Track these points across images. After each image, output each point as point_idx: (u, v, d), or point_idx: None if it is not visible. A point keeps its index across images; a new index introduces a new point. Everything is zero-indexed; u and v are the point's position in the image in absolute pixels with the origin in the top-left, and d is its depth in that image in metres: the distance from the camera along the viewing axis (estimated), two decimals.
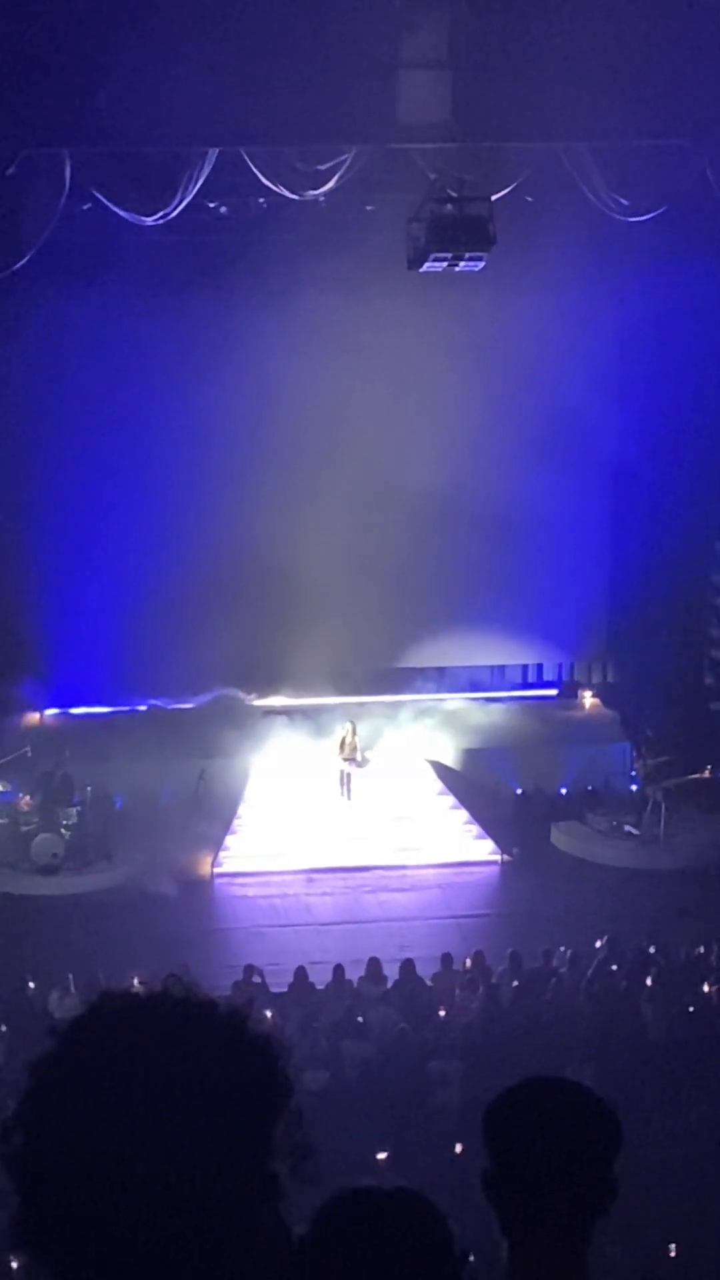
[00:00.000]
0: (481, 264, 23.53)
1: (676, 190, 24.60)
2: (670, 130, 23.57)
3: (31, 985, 20.58)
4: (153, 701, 29.90)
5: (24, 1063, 2.52)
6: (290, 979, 20.98)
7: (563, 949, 21.69)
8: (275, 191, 24.23)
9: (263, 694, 30.20)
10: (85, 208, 24.27)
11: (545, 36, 21.39)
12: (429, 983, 20.97)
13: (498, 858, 27.64)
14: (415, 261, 23.97)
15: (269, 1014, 19.71)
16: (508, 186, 24.15)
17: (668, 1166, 15.26)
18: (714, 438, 28.78)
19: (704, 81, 22.40)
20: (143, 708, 30.02)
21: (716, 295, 26.87)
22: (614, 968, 21.04)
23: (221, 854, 27.18)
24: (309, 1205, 2.86)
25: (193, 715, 29.51)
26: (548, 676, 32.50)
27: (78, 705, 30.28)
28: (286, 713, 29.82)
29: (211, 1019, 2.51)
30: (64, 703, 30.31)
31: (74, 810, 27.33)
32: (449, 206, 23.21)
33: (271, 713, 29.82)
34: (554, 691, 32.40)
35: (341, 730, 28.85)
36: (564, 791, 29.31)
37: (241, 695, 30.01)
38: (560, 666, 32.54)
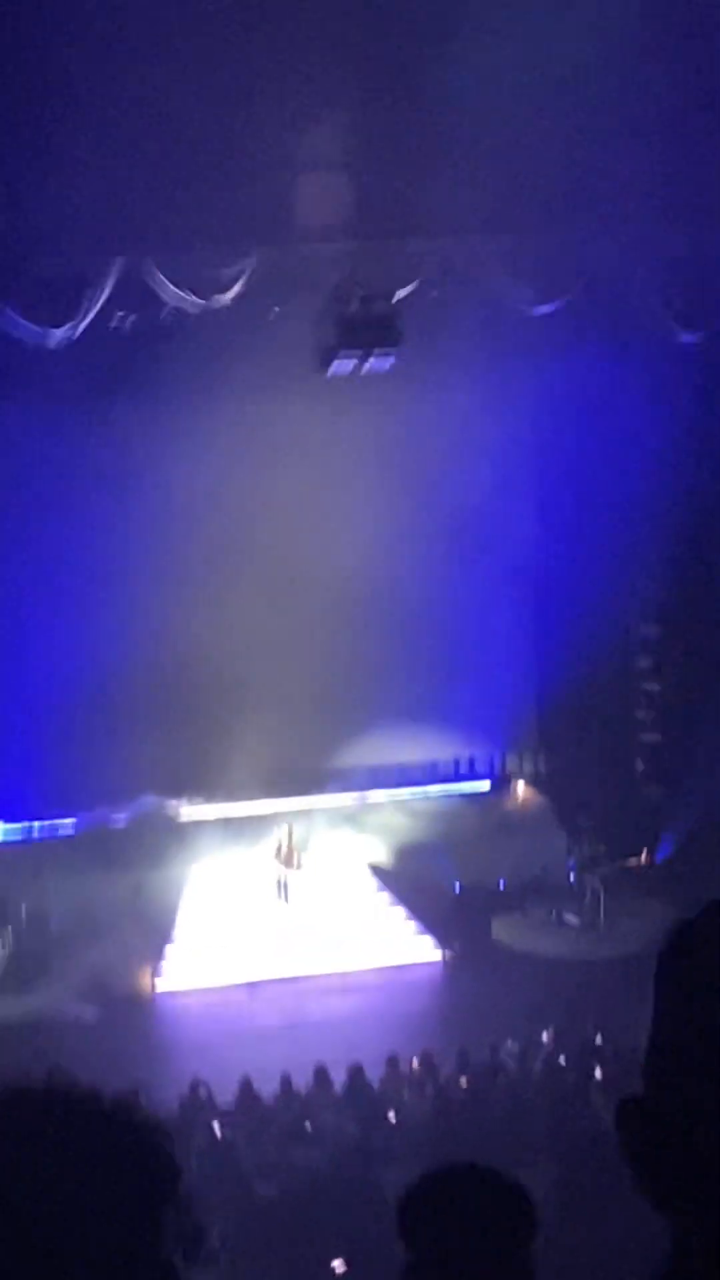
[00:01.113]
0: (390, 361, 23.62)
1: (580, 279, 24.78)
2: (571, 219, 23.74)
3: None
4: (83, 815, 29.65)
5: None
6: (235, 1090, 20.76)
7: (510, 1043, 21.55)
8: (181, 299, 24.25)
9: (194, 800, 29.98)
10: None
11: (443, 132, 21.53)
12: (377, 1086, 20.77)
13: (439, 955, 27.51)
14: (324, 362, 24.04)
15: (217, 1127, 19.51)
16: (412, 283, 24.26)
17: (629, 1255, 15.06)
18: (631, 523, 28.88)
19: (604, 169, 22.61)
20: (71, 820, 29.75)
21: (623, 382, 27.04)
22: (562, 1060, 20.90)
23: (162, 967, 26.95)
24: None
25: (124, 828, 29.27)
26: (480, 769, 32.42)
27: (9, 821, 29.99)
28: (219, 821, 29.64)
29: (96, 1108, 2.45)
30: None
31: (8, 931, 27.06)
32: (355, 306, 23.31)
33: (204, 822, 29.62)
34: (487, 783, 32.32)
35: (278, 835, 28.72)
36: (502, 884, 29.19)
37: (172, 806, 29.78)
38: (492, 758, 32.47)
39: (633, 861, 28.35)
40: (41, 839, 29.70)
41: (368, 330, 23.21)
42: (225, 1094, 20.72)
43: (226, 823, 29.57)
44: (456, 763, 32.25)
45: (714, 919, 1.79)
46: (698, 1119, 1.69)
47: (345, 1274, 15.36)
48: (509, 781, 32.39)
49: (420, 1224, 3.34)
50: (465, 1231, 3.29)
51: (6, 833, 30.00)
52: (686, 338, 25.80)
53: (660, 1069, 1.82)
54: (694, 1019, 1.75)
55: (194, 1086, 20.72)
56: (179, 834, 29.10)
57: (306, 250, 23.94)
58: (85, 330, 24.07)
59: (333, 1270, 15.42)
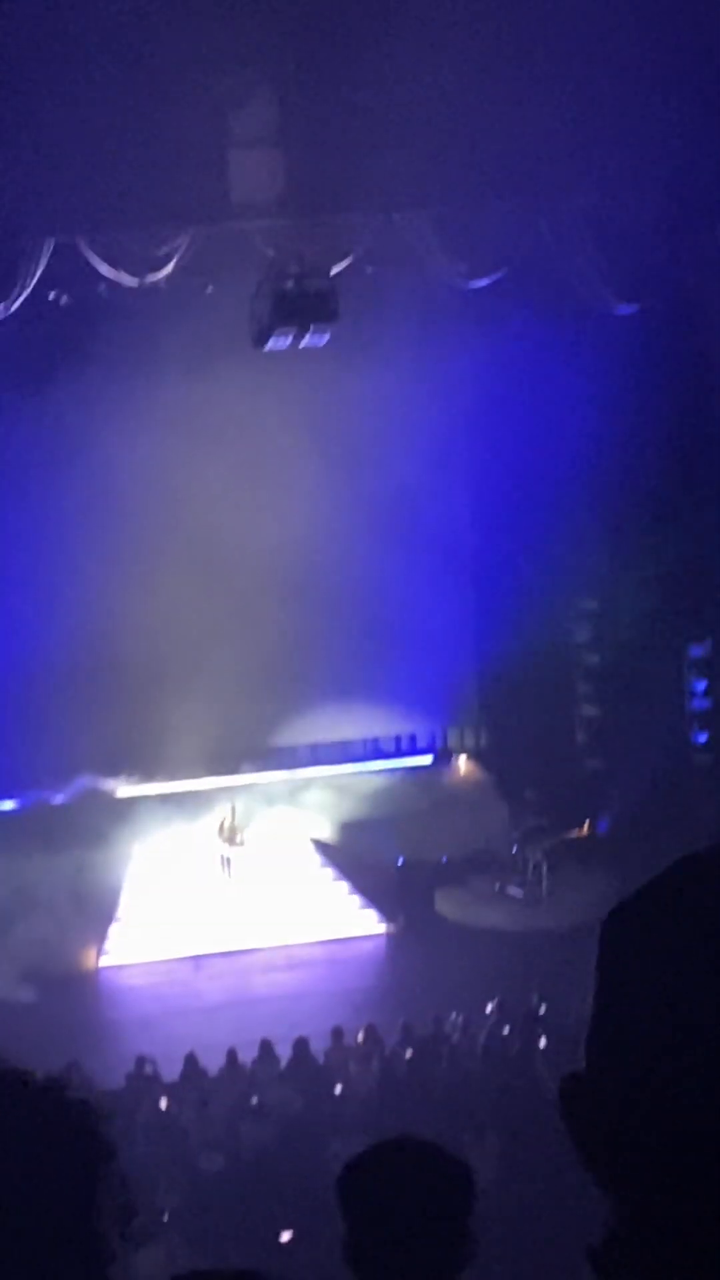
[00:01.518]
0: (326, 338, 23.63)
1: (514, 253, 24.81)
2: (504, 193, 23.78)
3: None
4: (25, 795, 29.56)
5: None
6: (181, 1066, 20.78)
7: (454, 1015, 21.61)
8: (115, 278, 24.19)
9: (135, 778, 29.92)
10: None
11: (374, 106, 21.56)
12: (322, 1060, 20.83)
13: (382, 928, 27.58)
14: (260, 339, 24.04)
15: (164, 1103, 19.53)
16: (346, 259, 24.26)
17: (575, 1224, 15.17)
18: (568, 497, 28.92)
19: (536, 142, 22.65)
20: (11, 803, 29.65)
21: (558, 355, 27.08)
22: (506, 1031, 20.99)
23: (106, 944, 26.95)
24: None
25: (66, 807, 29.20)
26: (421, 744, 32.45)
27: None
28: (161, 798, 29.60)
29: (26, 1088, 2.47)
30: None
31: None
32: (290, 283, 23.30)
33: (146, 800, 29.57)
34: (428, 758, 32.36)
35: (221, 813, 28.74)
36: (445, 858, 29.24)
37: (114, 784, 29.72)
38: (433, 733, 32.51)
39: (574, 834, 28.46)
40: None
41: (303, 306, 23.22)
42: (171, 1070, 20.73)
43: (169, 800, 29.52)
44: (398, 738, 32.28)
45: (658, 892, 1.83)
46: (641, 1095, 1.73)
47: (292, 1245, 15.43)
48: (450, 756, 32.43)
49: (358, 1197, 3.37)
50: (403, 1204, 3.32)
51: None
52: (622, 310, 25.86)
53: (603, 1043, 1.86)
54: (638, 993, 1.79)
55: (140, 1062, 20.72)
56: (121, 812, 29.04)
57: (240, 227, 23.92)
58: (19, 309, 23.97)
59: (280, 1242, 15.50)
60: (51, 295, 25.15)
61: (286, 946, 26.95)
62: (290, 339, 23.68)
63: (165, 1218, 16.08)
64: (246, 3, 21.59)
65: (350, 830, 29.75)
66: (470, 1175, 3.39)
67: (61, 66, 20.97)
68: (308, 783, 30.65)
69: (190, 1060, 20.74)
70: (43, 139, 21.43)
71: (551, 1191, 15.20)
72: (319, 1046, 21.05)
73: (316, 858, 29.23)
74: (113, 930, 27.32)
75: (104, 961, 26.79)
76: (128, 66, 21.34)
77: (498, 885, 28.29)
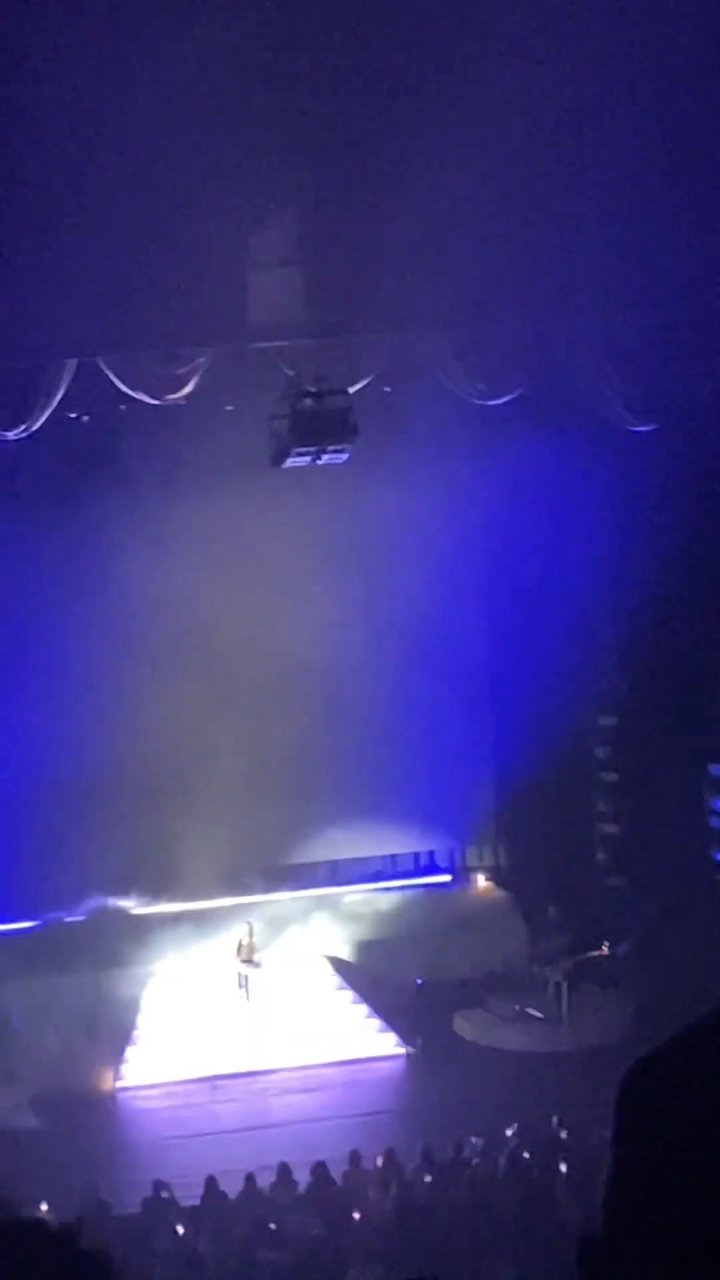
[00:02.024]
0: (345, 456, 23.74)
1: (531, 372, 24.96)
2: (521, 312, 23.94)
3: None
4: (41, 915, 29.41)
5: None
6: (199, 1190, 20.58)
7: (474, 1139, 21.40)
8: (135, 398, 24.36)
9: (151, 899, 29.76)
10: None
11: (392, 227, 21.72)
12: (341, 1185, 20.62)
13: (401, 1050, 27.38)
14: (278, 458, 24.15)
15: (180, 1229, 19.33)
16: (365, 378, 24.41)
17: None
18: (586, 615, 28.97)
19: (553, 262, 22.82)
20: (30, 923, 29.49)
21: (576, 474, 27.18)
22: (526, 1155, 20.77)
23: (123, 1067, 26.77)
24: None
25: (83, 927, 29.05)
26: (440, 862, 32.28)
27: None
28: (178, 917, 29.45)
29: (40, 1238, 2.40)
30: None
31: None
32: (308, 401, 23.43)
33: (162, 918, 29.41)
34: (447, 877, 32.18)
35: (239, 932, 28.61)
36: (464, 979, 29.04)
37: (130, 904, 29.57)
38: (452, 851, 32.33)
39: (595, 953, 28.27)
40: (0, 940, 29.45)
41: (321, 425, 23.33)
42: (188, 1194, 20.54)
43: (185, 919, 29.36)
44: (416, 857, 32.11)
45: (678, 1054, 1.77)
46: (658, 1262, 1.67)
47: None
48: (469, 875, 32.26)
49: None
50: None
51: None
52: (639, 429, 25.95)
53: (621, 1207, 1.79)
54: (658, 1157, 1.73)
55: (157, 1187, 20.54)
56: (137, 931, 28.89)
57: (259, 347, 24.09)
58: (38, 431, 24.11)
59: None
60: (73, 414, 25.32)
61: (304, 1068, 26.75)
62: (309, 457, 23.79)
63: None
64: (265, 126, 21.81)
65: (368, 950, 29.58)
66: None
67: (81, 188, 21.17)
68: (325, 901, 30.48)
69: (208, 1185, 20.55)
70: (62, 260, 21.59)
71: None
72: (337, 1171, 20.86)
73: (334, 978, 29.03)
74: (129, 1052, 27.13)
75: (120, 1084, 26.60)
76: (147, 189, 21.53)
77: (517, 1006, 28.06)
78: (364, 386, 24.40)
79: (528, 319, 24.24)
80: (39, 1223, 2.46)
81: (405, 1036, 27.46)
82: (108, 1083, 26.48)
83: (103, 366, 23.85)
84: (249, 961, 28.37)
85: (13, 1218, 2.45)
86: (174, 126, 21.00)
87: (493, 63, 21.31)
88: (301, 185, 22.93)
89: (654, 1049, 1.80)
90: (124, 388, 24.12)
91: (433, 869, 32.16)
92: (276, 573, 28.80)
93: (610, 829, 30.82)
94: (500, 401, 25.34)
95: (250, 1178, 20.69)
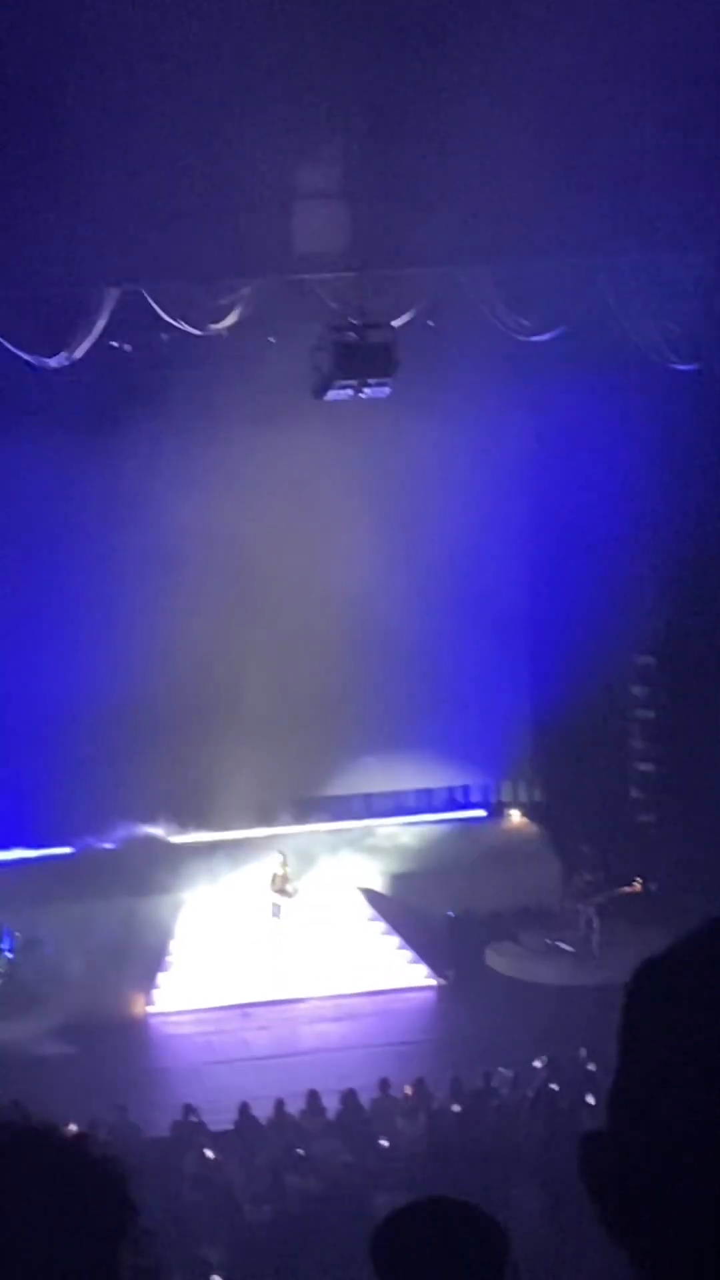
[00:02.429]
0: (387, 390, 23.70)
1: (576, 309, 24.88)
2: (566, 249, 23.87)
3: None
4: (77, 841, 29.58)
5: None
6: (228, 1116, 20.75)
7: (503, 1070, 21.54)
8: (178, 328, 24.34)
9: (187, 827, 29.91)
10: None
11: (438, 161, 21.64)
12: (370, 1112, 20.77)
13: (433, 982, 27.52)
14: (320, 390, 24.10)
15: (209, 1153, 19.50)
16: (409, 312, 24.36)
17: None
18: (626, 552, 28.95)
19: (599, 199, 22.73)
20: (68, 849, 29.66)
21: (618, 411, 27.12)
22: (555, 1087, 20.89)
23: (154, 992, 26.95)
24: None
25: (118, 854, 29.21)
26: (475, 798, 32.36)
27: (2, 848, 29.89)
28: (214, 847, 29.58)
29: (48, 1145, 2.45)
30: None
31: (5, 956, 27.06)
32: (351, 335, 23.38)
33: (197, 847, 29.56)
34: (482, 812, 32.28)
35: (272, 862, 28.72)
36: (497, 911, 29.15)
37: (167, 832, 29.71)
38: (487, 787, 32.40)
39: (627, 889, 28.34)
40: (36, 865, 29.61)
41: (364, 359, 23.27)
42: (217, 1119, 20.72)
43: (220, 848, 29.49)
44: (451, 791, 32.21)
45: (686, 952, 1.83)
46: (661, 1157, 1.73)
47: None
48: (504, 810, 32.34)
49: (390, 1258, 3.35)
50: (435, 1266, 3.30)
51: (1, 861, 29.89)
52: (682, 368, 25.87)
53: (626, 1102, 1.86)
54: (662, 1052, 1.79)
55: (186, 1111, 20.72)
56: (172, 859, 29.03)
57: (303, 279, 24.06)
58: (80, 360, 24.13)
59: None
60: (115, 343, 25.30)
61: (335, 997, 26.91)
62: (351, 391, 23.75)
63: (210, 1270, 16.04)
64: (313, 54, 21.71)
65: (402, 882, 29.69)
66: (505, 1238, 3.37)
67: (128, 119, 21.13)
68: (360, 834, 30.60)
69: (238, 1110, 20.72)
70: (107, 189, 21.57)
71: (597, 1250, 15.13)
72: (366, 1099, 21.01)
73: (367, 909, 29.16)
74: (162, 977, 27.31)
75: (152, 1009, 26.79)
76: (194, 118, 21.48)
77: (549, 940, 28.17)
78: (408, 321, 24.34)
79: (571, 255, 24.15)
80: (50, 1127, 2.52)
81: (436, 968, 27.60)
82: (139, 1008, 26.69)
83: (146, 295, 23.84)
84: (282, 891, 28.49)
85: (28, 1121, 2.51)
86: (222, 55, 20.95)
87: None
88: (348, 117, 22.83)
89: (660, 952, 1.86)
90: (167, 317, 24.11)
91: (467, 804, 32.26)
92: (316, 505, 28.80)
93: (645, 767, 30.83)
94: (543, 338, 25.26)
95: (280, 1104, 20.85)
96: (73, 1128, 17.15)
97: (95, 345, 24.10)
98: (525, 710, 31.21)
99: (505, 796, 32.47)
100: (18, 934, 27.37)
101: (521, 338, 25.26)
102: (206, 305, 24.07)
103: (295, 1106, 20.94)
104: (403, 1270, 3.31)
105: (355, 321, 23.35)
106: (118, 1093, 21.67)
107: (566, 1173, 18.05)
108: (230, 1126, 20.64)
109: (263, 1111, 20.79)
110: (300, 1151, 19.41)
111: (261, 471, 28.21)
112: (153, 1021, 26.63)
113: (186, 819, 29.85)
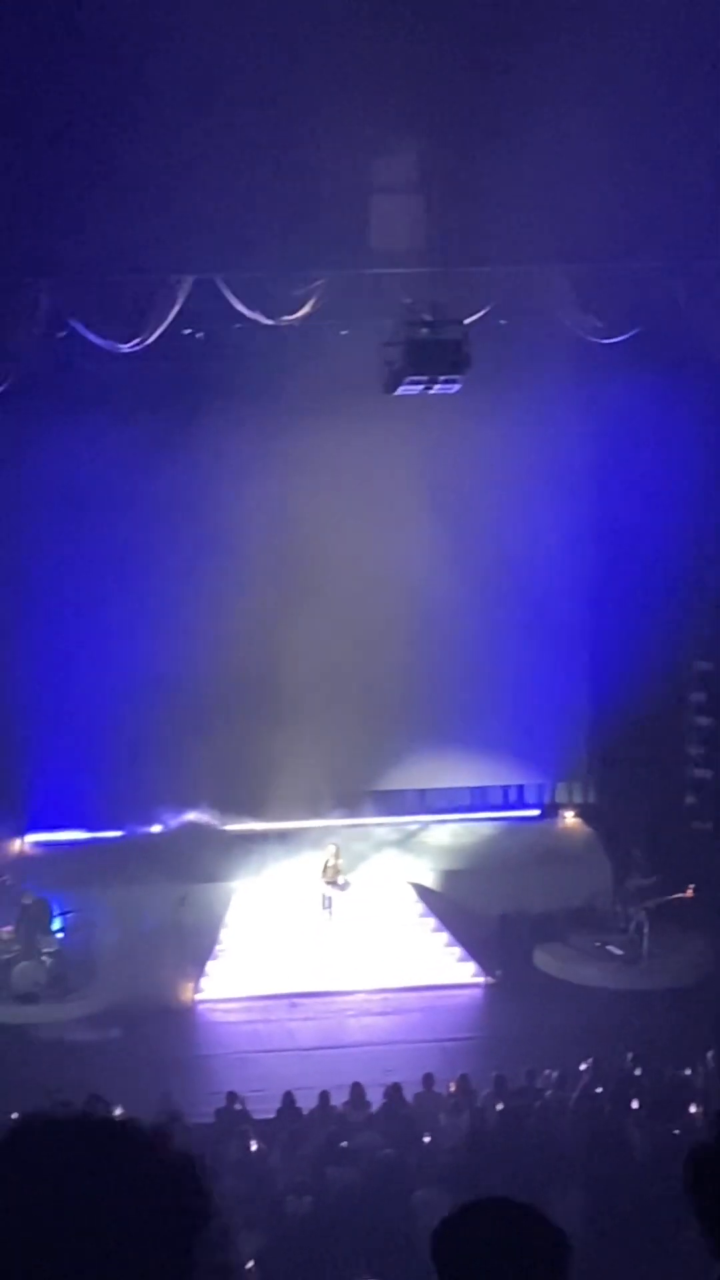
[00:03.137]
0: (457, 387, 23.71)
1: (648, 311, 24.85)
2: (641, 251, 23.85)
3: (14, 1116, 20.34)
4: (131, 826, 29.69)
5: None
6: (272, 1105, 20.80)
7: (547, 1071, 21.50)
8: (250, 318, 24.42)
9: (241, 817, 29.96)
10: (61, 336, 24.42)
11: (515, 161, 21.62)
12: (413, 1107, 20.79)
13: (481, 980, 27.52)
14: (391, 385, 24.14)
15: (253, 1143, 19.55)
16: (481, 310, 24.37)
17: None
18: (689, 558, 28.91)
19: (676, 201, 22.71)
20: (121, 833, 29.77)
21: (687, 417, 27.09)
22: (599, 1090, 20.87)
23: (202, 980, 27.03)
24: None
25: (171, 840, 29.30)
26: (529, 798, 32.33)
27: (56, 830, 30.02)
28: (266, 837, 29.63)
29: (131, 1141, 2.47)
30: (43, 829, 30.06)
31: (55, 938, 27.18)
32: (423, 330, 23.40)
33: (250, 836, 29.62)
34: (536, 812, 32.26)
35: (325, 853, 28.76)
36: (547, 913, 29.11)
37: (220, 820, 29.77)
38: (541, 787, 32.37)
39: (678, 895, 28.27)
40: (89, 848, 29.73)
41: (435, 355, 23.29)
42: (261, 1107, 20.77)
43: (273, 837, 29.55)
44: (505, 790, 32.19)
45: None
46: None
47: None
48: (558, 811, 32.31)
49: (455, 1256, 3.37)
50: (502, 1270, 3.32)
51: (54, 842, 30.01)
52: None
53: None
54: None
55: (230, 1099, 20.78)
56: (225, 847, 29.11)
57: (377, 273, 24.09)
58: (151, 346, 24.24)
59: None
60: (187, 331, 25.39)
61: (383, 991, 26.93)
62: (421, 386, 23.77)
63: (248, 1260, 16.08)
64: (394, 52, 21.75)
65: (453, 879, 29.70)
66: (568, 1244, 3.39)
67: (210, 110, 21.22)
68: (413, 829, 30.64)
69: (281, 1099, 20.77)
70: (186, 177, 21.67)
71: (636, 1254, 15.12)
72: (410, 1094, 21.02)
73: (417, 904, 29.18)
74: (210, 965, 27.39)
75: (199, 996, 26.87)
76: (275, 110, 21.56)
77: (598, 943, 28.14)
78: (479, 318, 24.35)
79: (646, 258, 24.12)
80: (133, 1124, 2.53)
81: (485, 966, 27.60)
82: (187, 994, 26.75)
83: (220, 284, 23.93)
84: (334, 882, 28.53)
85: (111, 1117, 2.53)
86: (305, 49, 21.01)
87: None
88: (427, 113, 22.86)
89: None
90: (240, 307, 24.20)
91: (521, 804, 32.24)
92: (381, 500, 28.83)
93: (701, 773, 30.76)
94: (616, 341, 25.23)
95: (324, 1095, 20.89)
96: (118, 1111, 17.14)
97: (167, 331, 24.21)
98: (582, 712, 31.18)
99: (559, 798, 32.43)
100: (68, 915, 27.49)
101: (593, 339, 25.25)
102: (280, 296, 24.16)
103: (339, 1099, 20.98)
104: (464, 1268, 3.33)
105: (428, 318, 23.37)
106: (163, 1077, 21.74)
107: (606, 1177, 18.07)
108: (273, 1115, 20.69)
109: (306, 1102, 20.83)
110: (343, 1143, 19.43)
111: (327, 463, 28.26)
112: (200, 1008, 26.69)
113: (240, 808, 29.91)
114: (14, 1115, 2.55)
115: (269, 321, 24.43)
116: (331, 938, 28.03)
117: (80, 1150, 2.44)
